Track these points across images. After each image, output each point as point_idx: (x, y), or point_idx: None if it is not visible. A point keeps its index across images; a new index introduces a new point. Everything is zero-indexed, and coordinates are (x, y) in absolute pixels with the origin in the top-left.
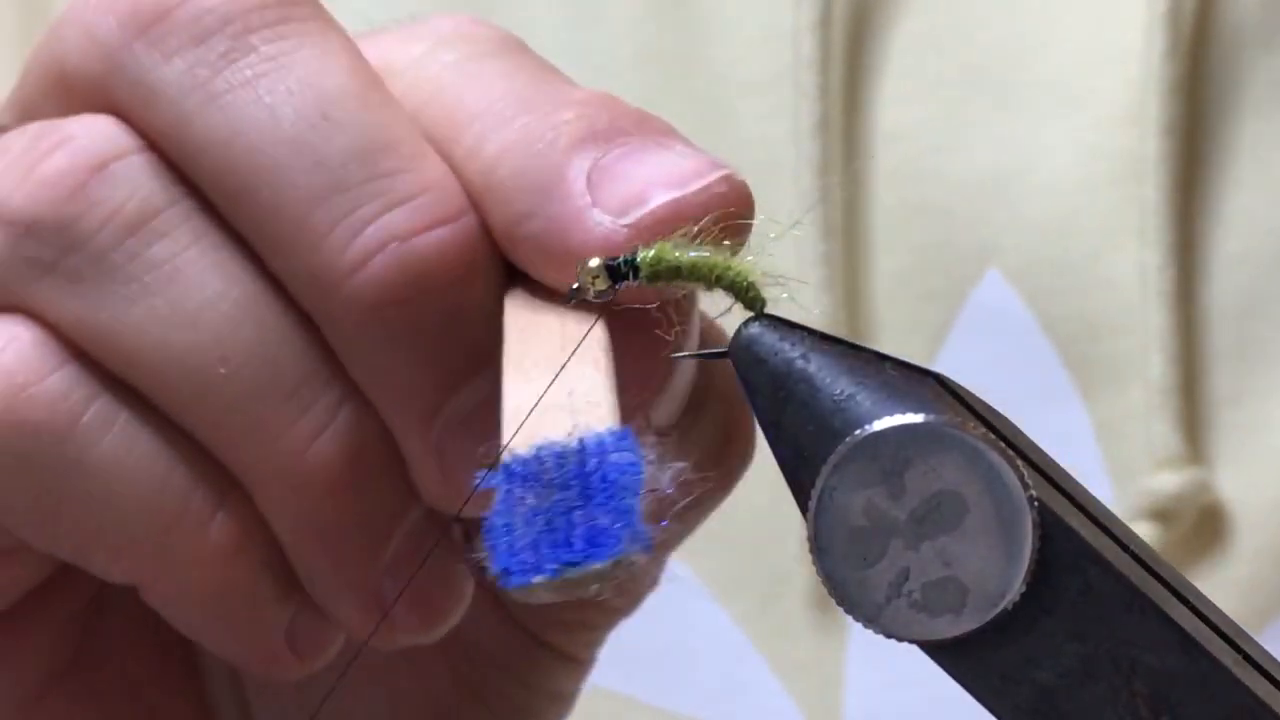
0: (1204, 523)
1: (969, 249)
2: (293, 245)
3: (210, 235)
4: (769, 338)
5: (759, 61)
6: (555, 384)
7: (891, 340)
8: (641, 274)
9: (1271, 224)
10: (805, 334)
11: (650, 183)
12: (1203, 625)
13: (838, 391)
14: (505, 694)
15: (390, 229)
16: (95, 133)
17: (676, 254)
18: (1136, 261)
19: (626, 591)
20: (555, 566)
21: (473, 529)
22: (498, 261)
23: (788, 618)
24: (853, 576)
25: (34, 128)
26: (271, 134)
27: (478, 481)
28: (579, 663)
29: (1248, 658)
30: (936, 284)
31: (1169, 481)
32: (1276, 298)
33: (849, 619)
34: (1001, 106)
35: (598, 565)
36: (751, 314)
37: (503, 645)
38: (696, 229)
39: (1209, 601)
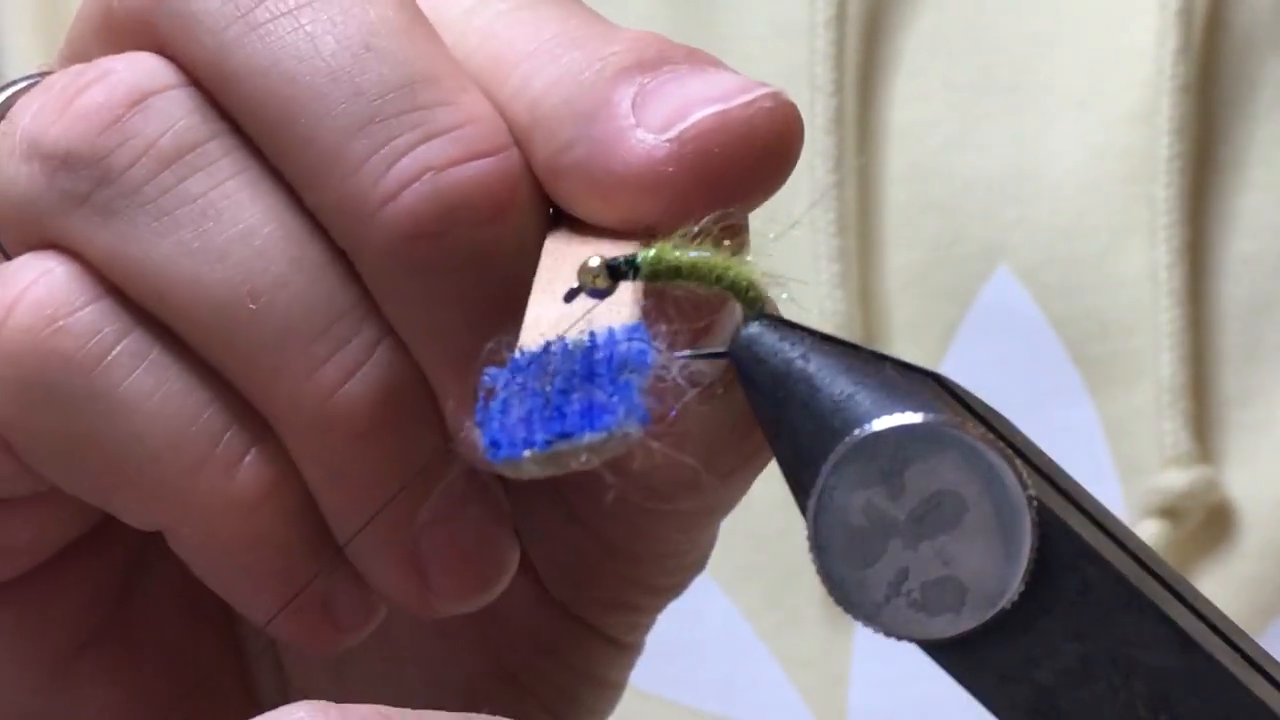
0: (1211, 521)
1: (979, 247)
2: (328, 176)
3: (246, 170)
4: (769, 338)
5: (772, 58)
6: (579, 302)
7: (901, 337)
8: (642, 273)
9: None
10: (805, 334)
11: (694, 99)
12: (1201, 624)
13: (837, 391)
14: (546, 677)
15: (426, 160)
16: (135, 68)
17: (677, 254)
18: (1147, 260)
19: (670, 569)
20: (546, 438)
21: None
22: (541, 202)
23: (795, 612)
24: (852, 576)
25: (77, 66)
26: (311, 62)
27: (483, 379)
28: (624, 647)
29: (1246, 657)
30: (946, 281)
31: (1177, 479)
32: None
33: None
34: (1013, 105)
35: (590, 436)
36: (751, 314)
37: (542, 625)
38: (697, 229)
39: (1207, 601)
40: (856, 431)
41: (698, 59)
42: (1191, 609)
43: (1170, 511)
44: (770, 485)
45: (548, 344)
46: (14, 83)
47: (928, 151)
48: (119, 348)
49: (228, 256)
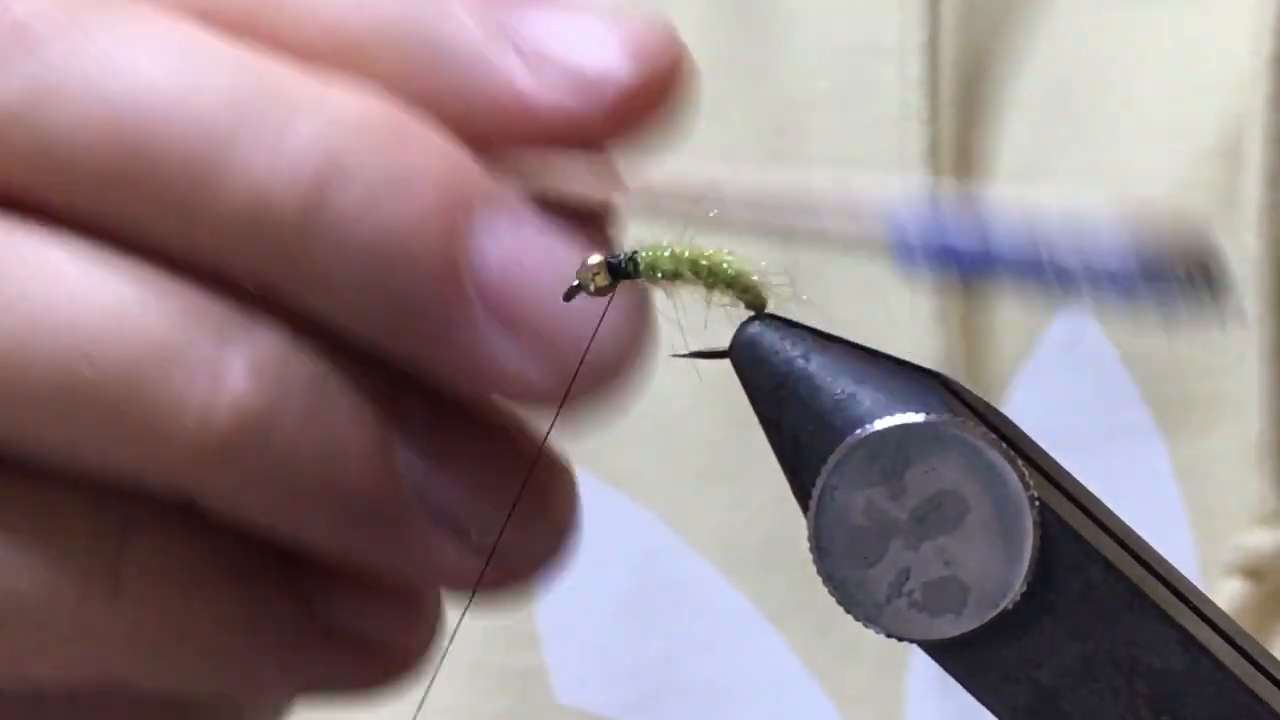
0: None
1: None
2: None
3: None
4: (769, 337)
5: (831, 76)
6: None
7: (964, 374)
8: (641, 270)
9: None
10: (806, 333)
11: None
12: (1204, 625)
13: (838, 391)
14: None
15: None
16: None
17: (677, 253)
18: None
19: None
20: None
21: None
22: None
23: (847, 646)
24: (853, 576)
25: None
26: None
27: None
28: None
29: (1249, 657)
30: (1012, 315)
31: (1264, 540)
32: None
33: (911, 648)
34: (1090, 131)
35: None
36: (751, 313)
37: None
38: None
39: (1210, 601)
40: (858, 431)
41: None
42: (1195, 610)
43: (1254, 572)
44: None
45: None
46: None
47: (1012, 175)
48: None
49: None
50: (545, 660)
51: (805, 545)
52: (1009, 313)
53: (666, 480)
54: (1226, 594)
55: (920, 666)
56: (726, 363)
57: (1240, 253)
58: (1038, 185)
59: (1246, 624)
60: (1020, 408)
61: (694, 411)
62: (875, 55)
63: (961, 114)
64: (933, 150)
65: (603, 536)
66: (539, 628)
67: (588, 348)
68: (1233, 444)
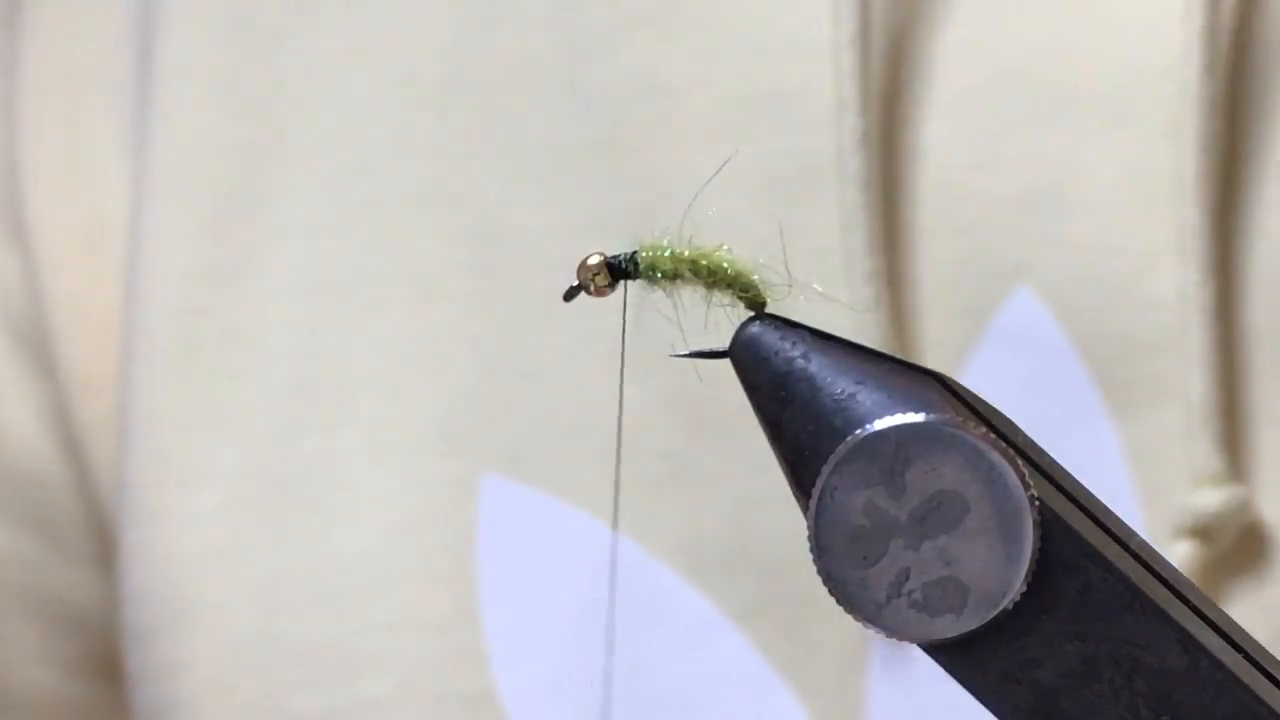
0: (1244, 542)
1: (1002, 266)
2: None
3: None
4: (769, 337)
5: (782, 76)
6: None
7: (921, 357)
8: (641, 271)
9: None
10: (806, 333)
11: None
12: (1203, 625)
13: (838, 391)
14: None
15: None
16: None
17: (677, 253)
18: (1175, 281)
19: None
20: None
21: None
22: None
23: (811, 643)
24: (853, 576)
25: None
26: None
27: None
28: None
29: (1248, 657)
30: (965, 301)
31: (1211, 499)
32: None
33: (872, 642)
34: (1040, 120)
35: None
36: (752, 313)
37: None
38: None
39: (1209, 601)
40: (858, 431)
41: None
42: (1193, 609)
43: (1202, 532)
44: (778, 515)
45: None
46: None
47: (952, 169)
48: None
49: None
50: (496, 681)
51: (767, 547)
52: (955, 300)
53: (623, 492)
54: (1176, 557)
55: (881, 659)
56: (668, 367)
57: (1180, 224)
58: (989, 175)
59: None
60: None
61: (645, 423)
62: (809, 53)
63: (891, 107)
64: (864, 141)
65: (561, 554)
66: (489, 650)
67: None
68: (1181, 421)
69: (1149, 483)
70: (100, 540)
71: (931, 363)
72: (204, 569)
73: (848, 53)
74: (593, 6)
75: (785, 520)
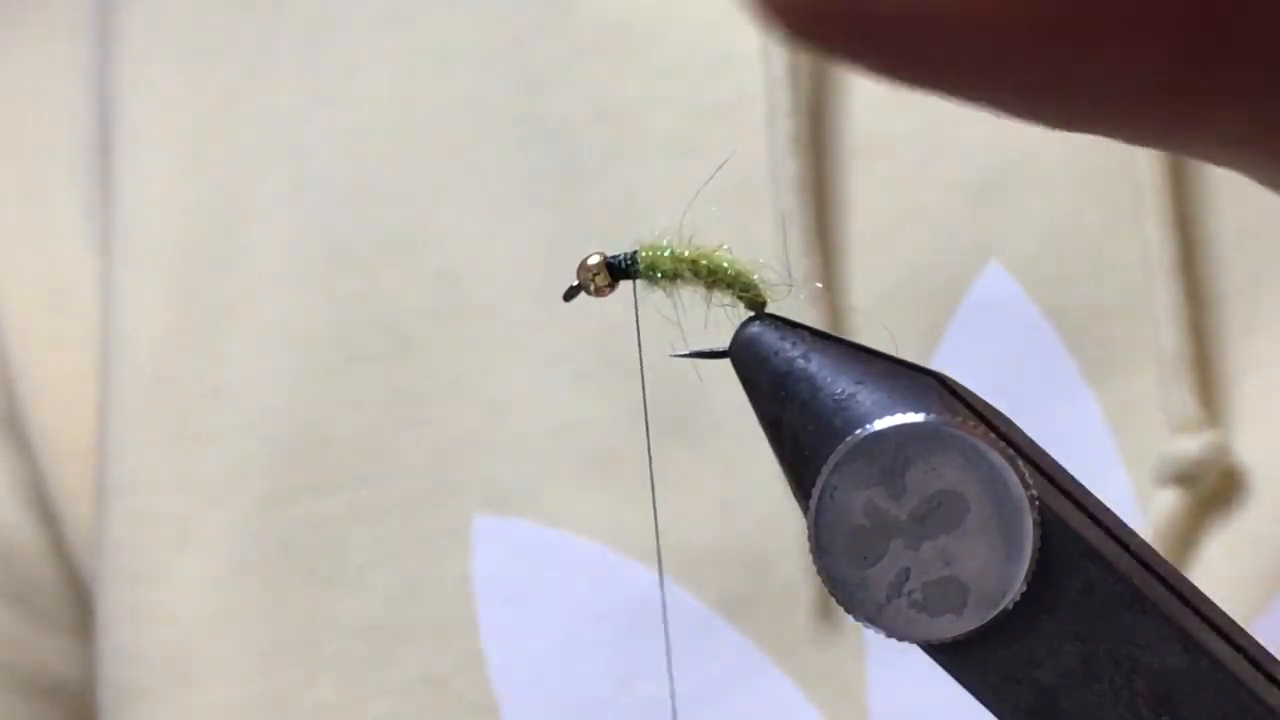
0: (1222, 487)
1: (967, 247)
2: None
3: None
4: (769, 337)
5: (721, 87)
6: None
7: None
8: (640, 270)
9: (1268, 198)
10: (806, 333)
11: None
12: (1203, 624)
13: (838, 391)
14: None
15: None
16: None
17: (677, 253)
18: (1138, 243)
19: None
20: None
21: None
22: None
23: (805, 631)
24: (853, 576)
25: None
26: None
27: None
28: None
29: (1249, 657)
30: (932, 285)
31: (1189, 445)
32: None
33: (860, 625)
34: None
35: None
36: (751, 313)
37: None
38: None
39: (1209, 600)
40: (858, 431)
41: None
42: (1193, 608)
43: (1184, 478)
44: (749, 510)
45: None
46: None
47: (906, 160)
48: None
49: None
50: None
51: (752, 543)
52: (925, 284)
53: (603, 508)
54: (1159, 506)
55: (879, 642)
56: (638, 377)
57: (1138, 186)
58: (945, 163)
59: (1180, 532)
60: (947, 370)
61: (614, 436)
62: (743, 63)
63: (832, 107)
64: (796, 143)
65: (548, 580)
66: (496, 692)
67: None
68: (1157, 379)
69: (1131, 442)
70: (77, 606)
71: (905, 348)
72: (203, 632)
73: (777, 57)
74: (543, 40)
75: (754, 513)
